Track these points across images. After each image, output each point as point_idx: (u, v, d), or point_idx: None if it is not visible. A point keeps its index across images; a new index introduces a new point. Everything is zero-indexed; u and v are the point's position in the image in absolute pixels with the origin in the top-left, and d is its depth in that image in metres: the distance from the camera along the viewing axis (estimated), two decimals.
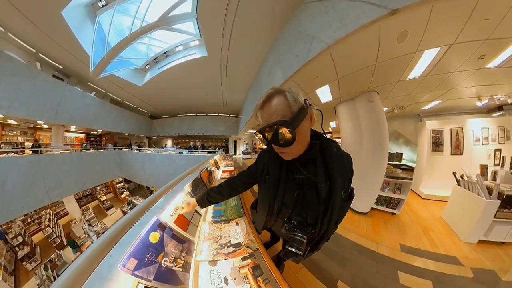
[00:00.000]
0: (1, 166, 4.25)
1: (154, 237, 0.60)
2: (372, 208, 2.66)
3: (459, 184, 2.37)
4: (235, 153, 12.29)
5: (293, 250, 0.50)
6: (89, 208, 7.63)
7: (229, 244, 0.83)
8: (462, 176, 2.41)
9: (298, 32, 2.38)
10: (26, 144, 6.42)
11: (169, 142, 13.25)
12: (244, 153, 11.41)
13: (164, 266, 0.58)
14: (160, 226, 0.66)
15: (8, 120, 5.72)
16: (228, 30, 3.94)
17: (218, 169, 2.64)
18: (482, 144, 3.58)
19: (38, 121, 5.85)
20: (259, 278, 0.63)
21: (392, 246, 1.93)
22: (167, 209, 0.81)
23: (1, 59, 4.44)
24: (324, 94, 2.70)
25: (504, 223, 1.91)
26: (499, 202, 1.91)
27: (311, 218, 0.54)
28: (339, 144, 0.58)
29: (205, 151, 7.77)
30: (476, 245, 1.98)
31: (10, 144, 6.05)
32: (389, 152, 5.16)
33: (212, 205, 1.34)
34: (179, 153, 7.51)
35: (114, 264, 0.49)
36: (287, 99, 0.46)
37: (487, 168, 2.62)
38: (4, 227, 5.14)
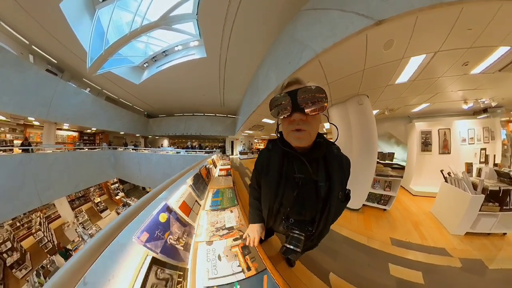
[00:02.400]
0: None
1: (162, 217, 0.72)
2: (364, 205, 2.78)
3: (446, 181, 2.52)
4: (232, 153, 12.26)
5: (292, 247, 0.52)
6: (82, 211, 7.39)
7: (223, 228, 0.97)
8: (449, 174, 2.57)
9: (293, 39, 2.48)
10: (15, 142, 6.07)
11: (166, 142, 13.09)
12: (241, 153, 11.36)
13: (169, 243, 0.68)
14: (168, 209, 0.78)
15: None
16: (227, 32, 4.00)
17: (215, 167, 2.79)
18: (469, 144, 3.82)
19: (29, 118, 5.64)
20: (247, 256, 0.76)
21: (383, 240, 2.01)
22: (173, 197, 0.93)
23: None
24: None
25: (489, 215, 2.06)
26: (483, 196, 2.06)
27: (309, 216, 0.56)
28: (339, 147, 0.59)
29: (203, 151, 7.81)
30: (463, 237, 2.11)
31: (0, 142, 5.74)
32: (382, 152, 5.39)
33: (210, 196, 1.50)
34: (177, 153, 7.52)
35: (130, 236, 0.58)
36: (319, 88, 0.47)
37: (472, 166, 2.81)
38: None
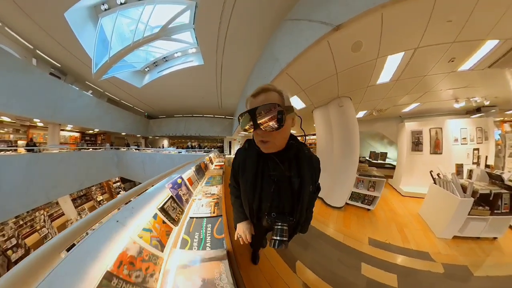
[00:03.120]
0: (2, 164, 4.19)
1: (179, 180, 1.32)
2: (348, 204, 2.77)
3: (435, 182, 2.39)
4: (230, 153, 12.31)
5: (279, 238, 0.55)
6: (85, 209, 7.50)
7: (209, 193, 1.60)
8: (438, 175, 2.43)
9: (270, 52, 2.57)
10: (19, 142, 6.21)
11: (165, 142, 13.19)
12: None
13: (180, 194, 1.23)
14: (181, 178, 1.39)
15: (2, 117, 5.57)
16: (222, 41, 4.17)
17: (212, 163, 3.21)
18: (461, 144, 3.64)
19: (35, 119, 5.73)
20: (216, 207, 1.30)
21: (360, 239, 1.95)
22: (184, 174, 1.58)
23: None
24: (296, 102, 2.93)
25: (478, 219, 1.93)
26: (473, 200, 1.93)
27: (288, 208, 0.60)
28: (310, 148, 0.66)
29: (202, 151, 8.27)
30: (451, 241, 1.99)
31: (5, 142, 5.84)
32: (374, 152, 5.28)
33: (206, 179, 2.04)
34: (178, 152, 7.95)
35: (163, 185, 1.15)
36: (282, 96, 0.52)
37: (462, 167, 2.64)
38: None
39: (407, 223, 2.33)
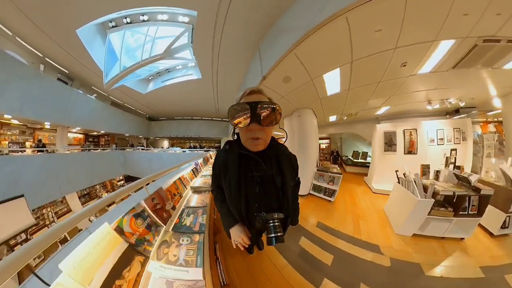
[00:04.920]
0: (18, 163, 4.39)
1: (196, 165, 2.03)
2: (311, 194, 3.07)
3: (399, 181, 2.26)
4: None
5: (274, 235, 0.53)
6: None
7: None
8: (404, 174, 2.29)
9: (253, 66, 2.84)
10: (26, 144, 6.32)
11: (166, 143, 13.39)
12: None
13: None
14: (195, 164, 2.06)
15: (12, 120, 5.73)
16: (216, 57, 4.65)
17: (211, 158, 3.74)
18: (437, 144, 3.47)
19: (46, 123, 5.96)
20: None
21: (310, 221, 1.95)
22: (198, 161, 2.14)
23: (10, 64, 4.47)
24: None
25: (440, 220, 1.82)
26: (432, 200, 1.82)
27: (275, 204, 0.59)
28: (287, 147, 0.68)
29: (202, 150, 9.27)
30: (410, 238, 1.89)
31: (18, 144, 6.01)
32: (357, 151, 5.15)
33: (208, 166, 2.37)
34: (183, 151, 8.83)
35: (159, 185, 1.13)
36: (270, 99, 0.55)
37: (429, 168, 2.49)
38: None
39: (366, 217, 2.28)
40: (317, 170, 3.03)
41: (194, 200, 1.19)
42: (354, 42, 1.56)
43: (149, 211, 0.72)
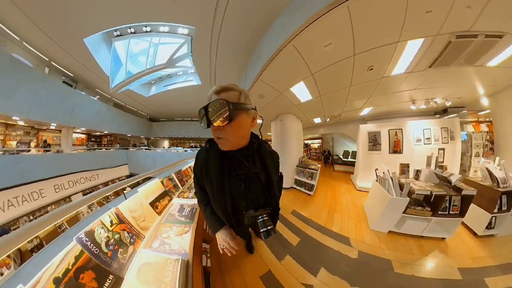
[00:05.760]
0: (29, 162, 4.56)
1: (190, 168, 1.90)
2: (294, 188, 3.28)
3: (377, 179, 2.19)
4: None
5: (265, 229, 0.53)
6: (94, 203, 7.78)
7: None
8: (383, 173, 2.22)
9: (246, 74, 3.08)
10: (31, 144, 6.42)
11: (166, 143, 13.59)
12: None
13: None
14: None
15: (18, 122, 5.89)
16: (213, 64, 5.01)
17: None
18: (424, 143, 3.37)
19: (52, 124, 6.12)
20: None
21: (285, 208, 1.98)
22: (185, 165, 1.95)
23: (20, 68, 4.60)
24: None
25: (417, 219, 1.76)
26: (406, 199, 1.76)
27: (262, 200, 0.59)
28: (270, 144, 0.71)
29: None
30: (385, 235, 1.82)
31: (25, 144, 6.16)
32: (347, 150, 5.07)
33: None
34: (185, 151, 9.28)
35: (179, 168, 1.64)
36: (240, 94, 0.50)
37: (408, 167, 2.40)
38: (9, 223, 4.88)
39: (342, 211, 2.25)
40: (297, 166, 3.28)
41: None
42: (307, 59, 1.68)
43: (175, 179, 1.37)
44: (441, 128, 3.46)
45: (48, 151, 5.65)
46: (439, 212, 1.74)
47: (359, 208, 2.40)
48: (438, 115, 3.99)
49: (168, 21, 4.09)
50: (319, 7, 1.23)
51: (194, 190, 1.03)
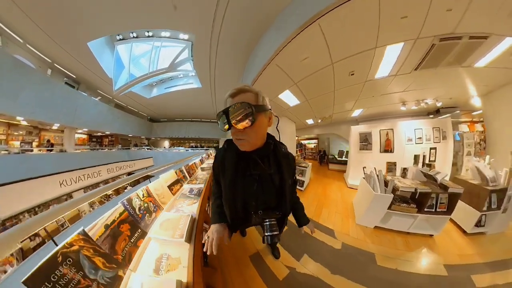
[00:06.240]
0: (36, 160, 4.67)
1: (203, 157, 2.67)
2: None
3: (365, 177, 2.23)
4: None
5: (270, 233, 0.53)
6: (96, 202, 7.88)
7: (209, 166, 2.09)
8: (370, 171, 2.27)
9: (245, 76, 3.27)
10: (34, 143, 6.47)
11: (166, 143, 13.70)
12: None
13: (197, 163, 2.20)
14: (202, 156, 2.63)
15: (22, 122, 5.93)
16: (213, 68, 5.20)
17: (208, 157, 4.45)
18: (416, 143, 3.41)
19: (56, 124, 6.21)
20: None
21: None
22: (204, 155, 2.81)
23: (24, 70, 4.67)
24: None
25: (403, 215, 1.78)
26: (390, 196, 1.79)
27: (273, 203, 0.58)
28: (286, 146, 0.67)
29: (203, 149, 10.14)
30: (371, 229, 1.85)
31: (29, 143, 6.22)
32: (342, 150, 5.12)
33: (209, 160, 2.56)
34: (186, 150, 9.84)
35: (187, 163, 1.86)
36: (257, 95, 0.50)
37: (395, 165, 2.44)
38: (12, 222, 5.06)
39: (331, 206, 2.28)
40: None
41: (201, 173, 2.06)
42: (289, 72, 1.84)
43: (184, 171, 1.61)
44: (433, 128, 3.49)
45: (51, 150, 5.74)
46: (425, 209, 1.74)
47: (348, 204, 2.43)
48: (432, 116, 4.02)
49: (170, 28, 4.26)
50: (293, 28, 1.38)
51: (200, 179, 1.49)
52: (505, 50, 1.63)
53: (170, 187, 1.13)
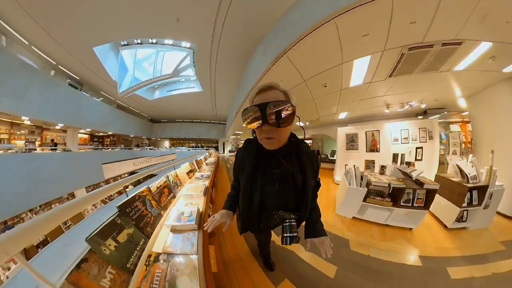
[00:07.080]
0: (40, 160, 4.80)
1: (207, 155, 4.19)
2: None
3: (345, 173, 2.42)
4: (223, 152, 13.08)
5: (290, 234, 0.51)
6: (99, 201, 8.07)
7: (211, 163, 3.05)
8: (350, 168, 2.44)
9: (243, 82, 3.60)
10: (36, 143, 6.51)
11: (167, 143, 13.92)
12: (230, 151, 12.75)
13: (203, 159, 3.25)
14: (205, 154, 4.12)
15: (26, 121, 5.96)
16: (213, 73, 5.53)
17: (211, 155, 4.99)
18: (402, 143, 3.57)
19: (60, 124, 6.36)
20: (213, 169, 2.60)
21: None
22: (205, 153, 4.21)
23: (30, 71, 4.79)
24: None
25: (378, 208, 1.91)
26: (364, 189, 1.93)
27: (293, 204, 0.56)
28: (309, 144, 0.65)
29: (203, 149, 10.69)
30: (350, 220, 1.99)
31: (32, 143, 6.29)
32: (334, 150, 5.30)
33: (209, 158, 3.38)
34: (188, 150, 10.43)
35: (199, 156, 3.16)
36: (288, 95, 0.48)
37: (374, 163, 2.59)
38: (14, 221, 4.50)
39: None
40: None
41: (206, 167, 2.67)
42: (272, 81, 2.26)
43: (194, 164, 2.21)
44: (419, 128, 3.64)
45: (55, 149, 5.89)
46: (402, 204, 1.85)
47: (331, 197, 2.60)
48: (421, 117, 4.16)
49: (173, 38, 4.53)
50: (268, 61, 1.74)
51: (206, 169, 2.25)
52: (483, 54, 1.63)
53: (187, 173, 1.84)
